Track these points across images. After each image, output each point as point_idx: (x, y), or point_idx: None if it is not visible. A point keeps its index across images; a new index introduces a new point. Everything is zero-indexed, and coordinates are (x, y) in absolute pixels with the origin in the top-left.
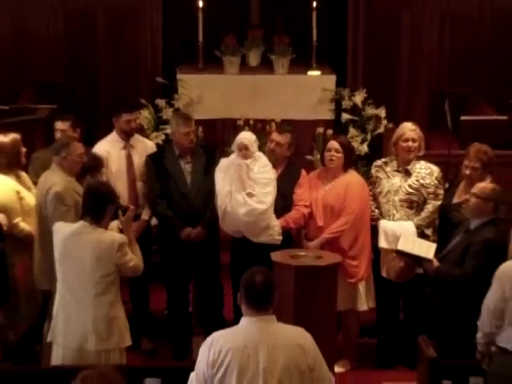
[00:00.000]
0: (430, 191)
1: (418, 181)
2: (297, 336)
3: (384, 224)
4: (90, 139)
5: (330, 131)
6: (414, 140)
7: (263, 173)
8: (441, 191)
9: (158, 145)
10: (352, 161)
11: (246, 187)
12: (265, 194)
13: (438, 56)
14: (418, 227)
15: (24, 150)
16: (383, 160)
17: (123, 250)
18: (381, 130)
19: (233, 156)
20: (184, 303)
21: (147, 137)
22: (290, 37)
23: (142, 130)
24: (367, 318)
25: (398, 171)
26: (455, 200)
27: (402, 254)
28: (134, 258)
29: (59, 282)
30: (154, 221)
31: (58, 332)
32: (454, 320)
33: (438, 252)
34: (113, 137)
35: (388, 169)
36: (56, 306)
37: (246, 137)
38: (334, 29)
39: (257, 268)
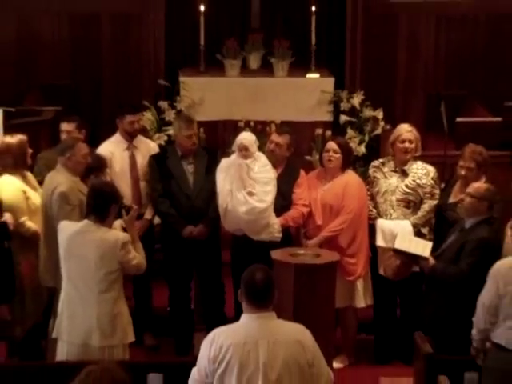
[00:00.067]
0: (427, 191)
1: (414, 181)
2: (296, 332)
3: (381, 223)
4: (95, 141)
5: (328, 132)
6: (410, 141)
7: (263, 172)
8: (437, 191)
9: (160, 146)
10: (350, 161)
11: (246, 186)
12: (265, 193)
13: (434, 59)
14: (414, 226)
15: (30, 150)
16: (380, 160)
17: (127, 248)
18: (378, 131)
19: (233, 156)
20: (186, 300)
21: (150, 138)
22: (290, 40)
23: (145, 131)
24: (365, 314)
25: (395, 171)
26: (451, 200)
27: (398, 253)
28: (137, 256)
29: (64, 279)
30: (156, 220)
31: (63, 328)
32: (450, 317)
33: (434, 250)
34: (116, 138)
35: (385, 169)
36: (61, 303)
37: (246, 137)
38: (333, 33)
39: (257, 266)
